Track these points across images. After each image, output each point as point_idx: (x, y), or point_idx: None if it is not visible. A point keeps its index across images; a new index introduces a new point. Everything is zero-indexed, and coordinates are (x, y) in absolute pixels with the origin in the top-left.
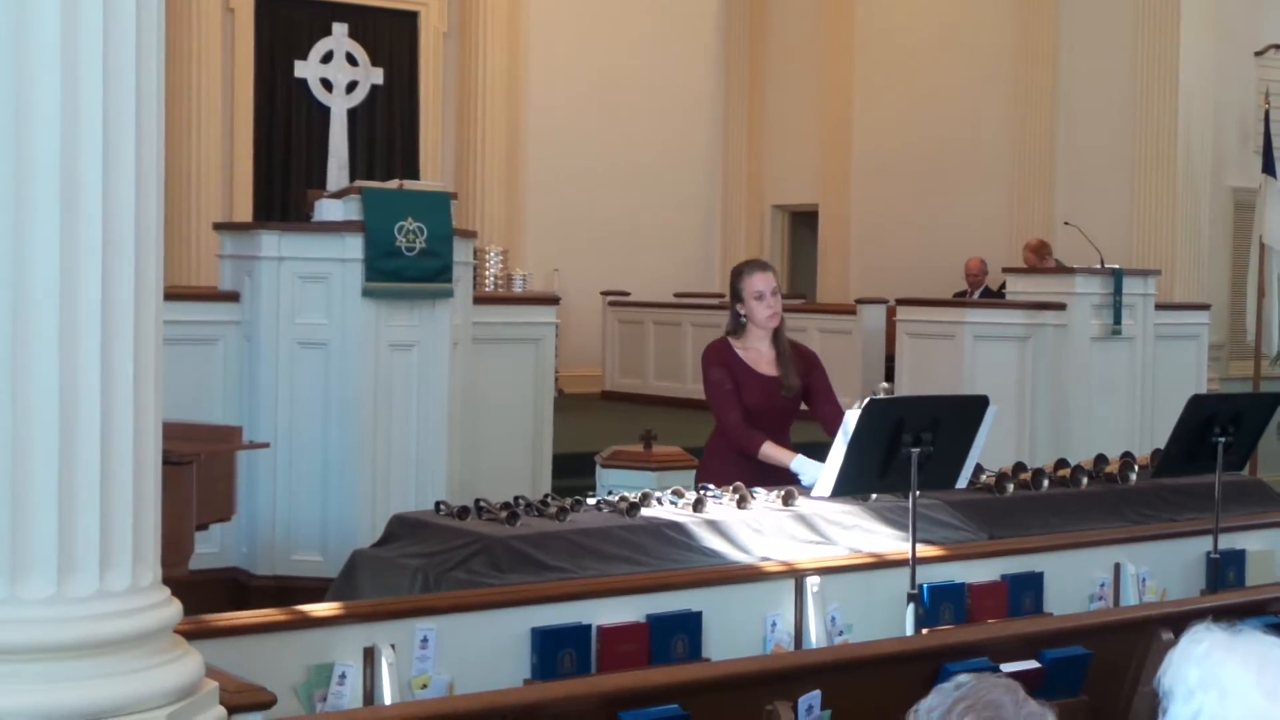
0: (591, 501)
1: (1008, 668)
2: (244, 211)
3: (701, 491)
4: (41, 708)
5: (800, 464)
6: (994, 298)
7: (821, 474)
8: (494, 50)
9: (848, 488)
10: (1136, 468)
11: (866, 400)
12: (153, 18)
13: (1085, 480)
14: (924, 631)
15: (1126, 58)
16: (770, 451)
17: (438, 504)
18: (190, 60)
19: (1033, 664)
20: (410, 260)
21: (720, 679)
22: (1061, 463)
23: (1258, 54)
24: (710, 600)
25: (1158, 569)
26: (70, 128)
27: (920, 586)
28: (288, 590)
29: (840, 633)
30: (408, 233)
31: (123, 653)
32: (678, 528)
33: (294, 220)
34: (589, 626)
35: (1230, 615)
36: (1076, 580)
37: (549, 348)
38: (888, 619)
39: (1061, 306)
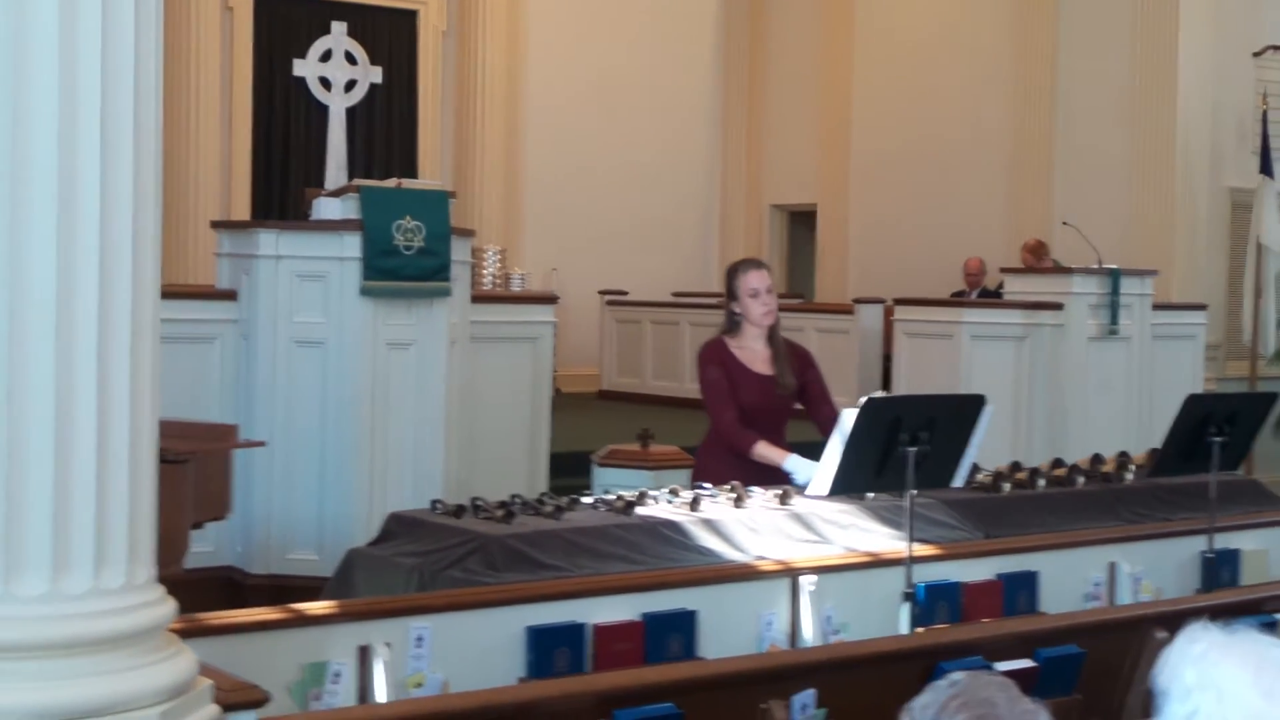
0: (588, 500)
1: (1002, 666)
2: (242, 210)
3: (698, 490)
4: (35, 705)
5: (793, 463)
6: (992, 298)
7: (817, 473)
8: (493, 49)
9: (844, 487)
10: (1132, 467)
11: (864, 399)
12: (151, 16)
13: (1081, 480)
14: (919, 630)
15: (1125, 58)
16: (764, 451)
17: (434, 502)
18: (189, 58)
19: (1027, 663)
20: (408, 259)
21: (715, 678)
22: (1058, 462)
23: (1256, 55)
24: (706, 599)
25: (1153, 568)
26: (68, 126)
27: (916, 585)
28: (283, 589)
29: (835, 632)
30: (406, 231)
31: (117, 650)
32: (674, 527)
33: (292, 219)
34: (584, 625)
35: (1225, 615)
36: (1071, 579)
37: (547, 347)
38: (883, 618)
39: (1059, 306)
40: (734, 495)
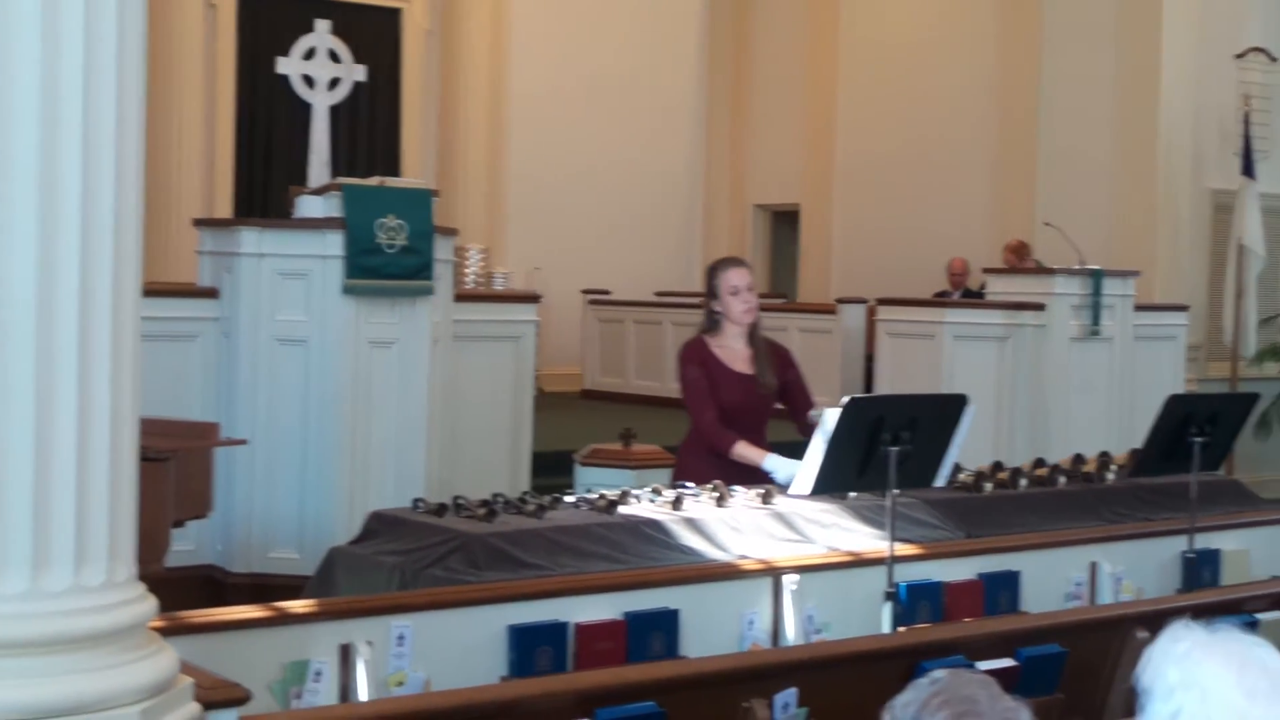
0: (570, 499)
1: (984, 666)
2: (224, 208)
3: (680, 490)
4: (15, 703)
5: (772, 462)
6: (974, 298)
7: (799, 472)
8: (477, 48)
9: (826, 486)
10: (1114, 467)
11: (846, 399)
12: (134, 13)
13: (1063, 480)
14: (901, 630)
15: (1108, 59)
16: (743, 451)
17: (416, 501)
18: (172, 56)
19: (1009, 662)
20: (391, 257)
21: (697, 676)
22: (1039, 462)
23: (1238, 57)
24: (688, 598)
25: (1134, 568)
26: (50, 122)
27: (897, 585)
28: (264, 588)
29: (817, 631)
30: (388, 230)
31: (97, 648)
32: (656, 526)
33: (274, 217)
34: (566, 624)
35: (1206, 615)
36: (1053, 579)
37: (529, 346)
38: (865, 617)
39: (1041, 307)
40: (716, 494)
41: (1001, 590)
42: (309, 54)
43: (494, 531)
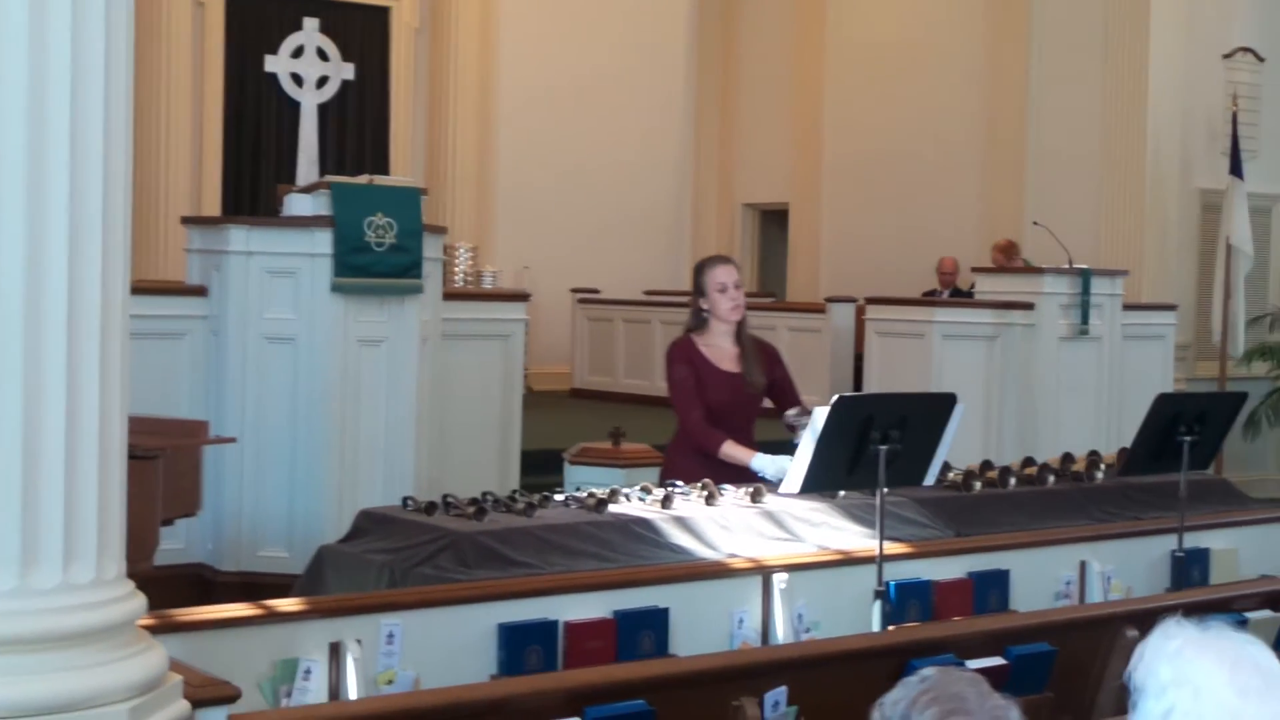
0: (559, 498)
1: (974, 664)
2: (212, 206)
3: (670, 488)
4: (4, 700)
5: (760, 462)
6: (964, 298)
7: (789, 471)
8: (465, 47)
9: (816, 485)
10: (1103, 466)
11: (835, 397)
12: (122, 10)
13: (1052, 479)
14: (890, 628)
15: (1096, 60)
16: (731, 450)
17: (405, 499)
18: (160, 54)
19: (998, 660)
20: (380, 256)
21: (687, 675)
22: (1028, 461)
23: (1226, 57)
24: (677, 597)
25: (1123, 567)
26: (37, 120)
27: (887, 584)
28: (253, 586)
29: (807, 630)
30: (377, 228)
31: (86, 646)
32: (646, 524)
33: (263, 215)
34: (556, 622)
35: (1195, 613)
36: (1042, 578)
37: (518, 345)
38: (854, 616)
39: (1029, 306)
40: (706, 493)
41: (991, 589)
42: (297, 52)
43: (483, 530)
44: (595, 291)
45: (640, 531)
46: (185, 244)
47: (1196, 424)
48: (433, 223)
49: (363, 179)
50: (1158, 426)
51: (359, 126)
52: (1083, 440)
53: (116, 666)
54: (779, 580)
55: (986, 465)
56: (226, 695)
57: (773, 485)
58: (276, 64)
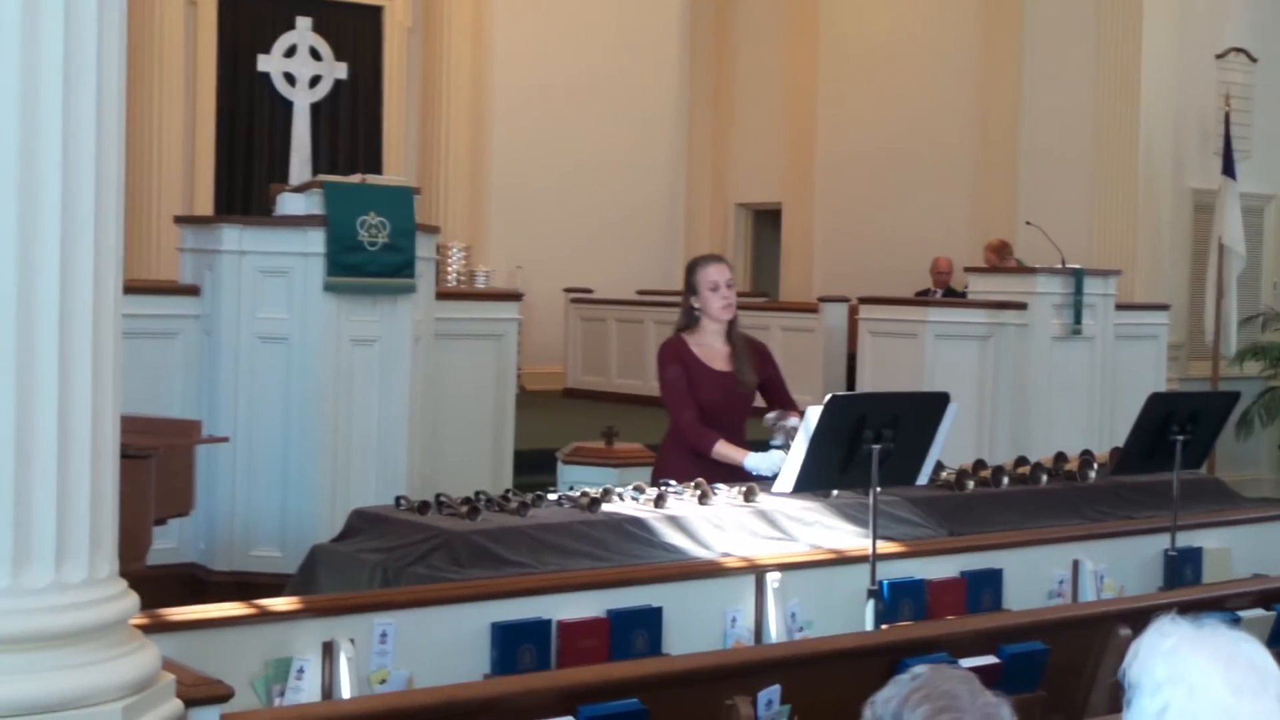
0: (553, 497)
1: (966, 663)
2: (205, 205)
3: (663, 487)
4: None
5: (754, 461)
6: (956, 298)
7: (782, 469)
8: (458, 46)
9: (809, 484)
10: (1095, 466)
11: (829, 396)
12: (114, 10)
13: (1045, 478)
14: (883, 627)
15: (1089, 60)
16: (724, 450)
17: (398, 499)
18: (152, 53)
19: (991, 659)
20: (372, 255)
21: (680, 674)
22: (1021, 460)
23: (1218, 57)
24: (671, 596)
25: (1116, 566)
26: (29, 119)
27: (880, 583)
28: (246, 586)
29: (800, 629)
30: (370, 227)
31: (79, 645)
32: (639, 523)
33: (256, 214)
34: (549, 622)
35: (1188, 612)
36: (1035, 577)
37: (511, 344)
38: (848, 615)
39: (1022, 306)
40: (699, 492)
41: (984, 588)
42: (290, 51)
43: (476, 529)
44: (588, 291)
45: (633, 531)
46: (178, 243)
47: (1189, 423)
48: (425, 222)
49: (355, 178)
50: (1150, 426)
51: (352, 126)
52: (1075, 439)
53: (109, 666)
54: (772, 579)
55: (979, 464)
56: (219, 694)
57: (766, 484)
58: (269, 63)
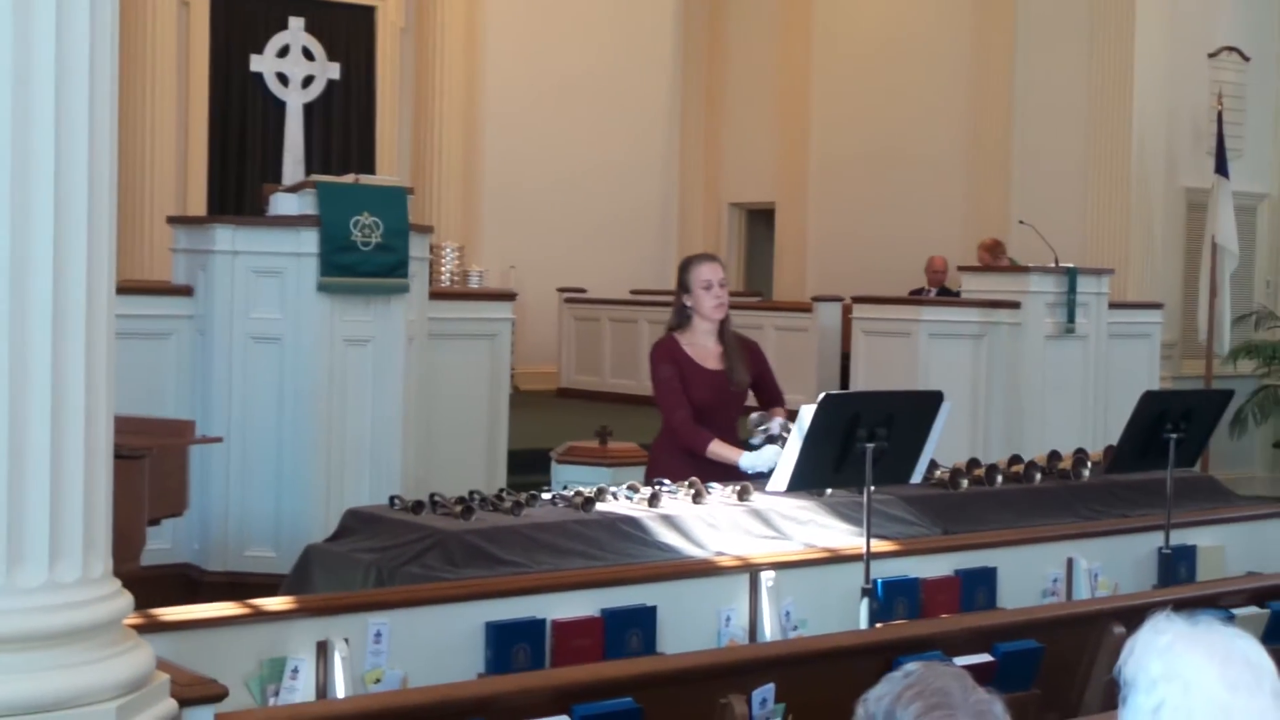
0: (547, 496)
1: (961, 661)
2: (198, 205)
3: (657, 486)
4: None
5: (749, 460)
6: (950, 297)
7: (777, 467)
8: (451, 46)
9: (803, 483)
10: (1089, 464)
11: (822, 395)
12: (107, 10)
13: (1039, 476)
14: (878, 626)
15: (1082, 59)
16: (718, 450)
17: (392, 498)
18: (145, 52)
19: (986, 657)
20: (366, 255)
21: (674, 673)
22: (1015, 459)
23: (1211, 56)
24: (665, 595)
25: (1110, 564)
26: (22, 120)
27: (874, 581)
28: (240, 586)
29: (794, 628)
30: (363, 227)
31: (72, 644)
32: (633, 522)
33: (249, 214)
34: (543, 621)
35: (1183, 609)
36: (1029, 575)
37: (505, 344)
38: (842, 614)
39: (1016, 305)
40: (693, 491)
41: (978, 586)
42: (283, 51)
43: (471, 529)
44: (582, 291)
45: (627, 530)
46: (171, 243)
47: (1183, 421)
48: (419, 222)
49: (348, 178)
50: (1144, 424)
51: (345, 126)
52: (1069, 438)
53: (103, 665)
54: (766, 578)
55: (973, 463)
56: (213, 694)
57: (760, 483)
58: (262, 63)
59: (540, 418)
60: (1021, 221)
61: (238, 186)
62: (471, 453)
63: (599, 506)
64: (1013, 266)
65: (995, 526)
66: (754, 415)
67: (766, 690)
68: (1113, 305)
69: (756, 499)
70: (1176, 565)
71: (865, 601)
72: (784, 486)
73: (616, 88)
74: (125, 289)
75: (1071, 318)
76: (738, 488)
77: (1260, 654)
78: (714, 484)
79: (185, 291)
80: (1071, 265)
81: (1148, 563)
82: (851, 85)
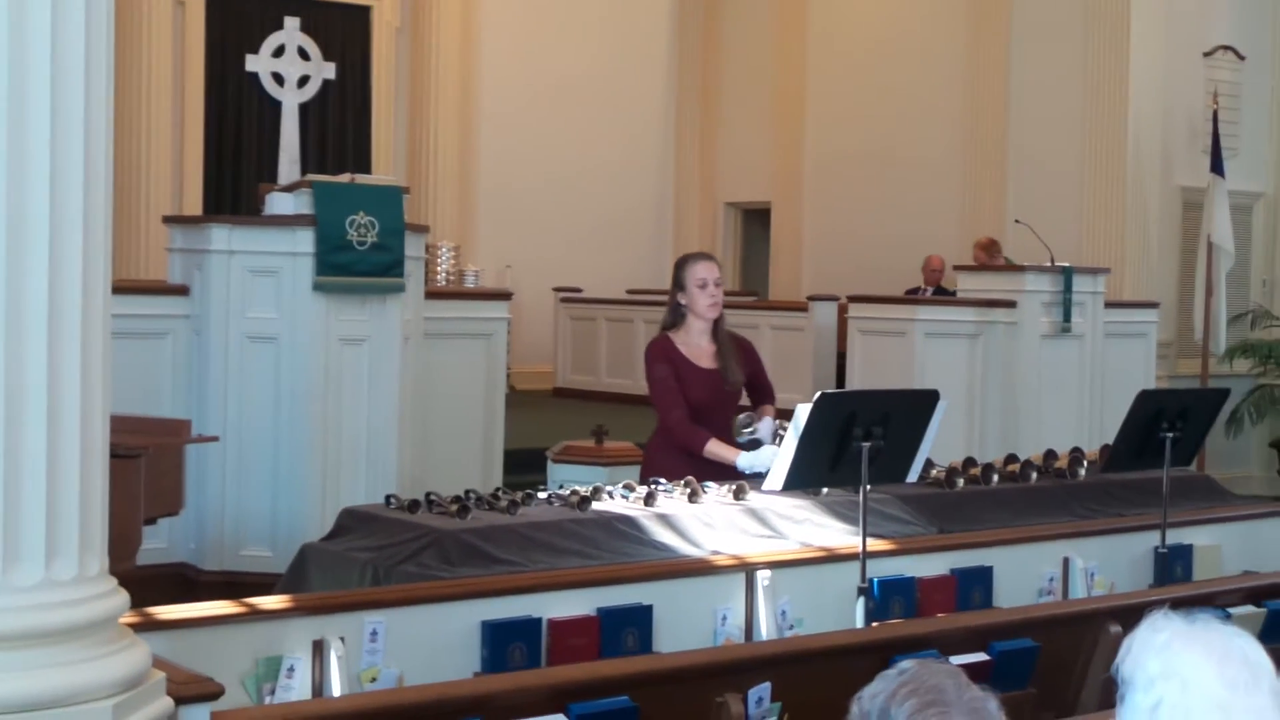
0: (542, 495)
1: (957, 660)
2: (194, 205)
3: (653, 485)
4: None
5: (746, 459)
6: (946, 296)
7: (773, 466)
8: (447, 46)
9: (799, 482)
10: (1085, 463)
11: (818, 394)
12: (102, 10)
13: (1034, 475)
14: (874, 625)
15: (1077, 58)
16: (715, 449)
17: (388, 497)
18: (140, 52)
19: (982, 656)
20: (361, 254)
21: (670, 671)
22: (1011, 458)
23: (1206, 55)
24: (661, 594)
25: (1106, 563)
26: (17, 120)
27: (870, 580)
28: (236, 585)
29: (791, 626)
30: (359, 227)
31: (69, 642)
32: (629, 521)
33: (244, 214)
34: (539, 620)
35: (1179, 608)
36: (1025, 574)
37: (501, 343)
38: (838, 613)
39: (1011, 304)
40: (689, 490)
41: (974, 585)
42: (278, 51)
43: (467, 528)
44: (578, 290)
45: (623, 529)
46: (167, 243)
47: (1179, 421)
48: (415, 222)
49: (344, 178)
50: (1140, 423)
51: (340, 126)
52: (1065, 437)
53: (99, 663)
54: (762, 577)
55: (969, 462)
56: (209, 692)
57: (756, 482)
58: (257, 63)
59: (536, 417)
60: (1017, 220)
61: (233, 186)
62: (467, 452)
63: (595, 506)
64: (1008, 266)
65: (991, 526)
66: (741, 416)
67: (763, 689)
68: (1108, 304)
69: (752, 498)
70: (1173, 564)
71: (861, 600)
72: (780, 485)
73: (612, 87)
74: (121, 288)
75: (1067, 317)
76: (734, 487)
77: (1258, 652)
78: (710, 483)
79: (181, 291)
80: (1067, 264)
81: (1144, 562)
82: (847, 85)
